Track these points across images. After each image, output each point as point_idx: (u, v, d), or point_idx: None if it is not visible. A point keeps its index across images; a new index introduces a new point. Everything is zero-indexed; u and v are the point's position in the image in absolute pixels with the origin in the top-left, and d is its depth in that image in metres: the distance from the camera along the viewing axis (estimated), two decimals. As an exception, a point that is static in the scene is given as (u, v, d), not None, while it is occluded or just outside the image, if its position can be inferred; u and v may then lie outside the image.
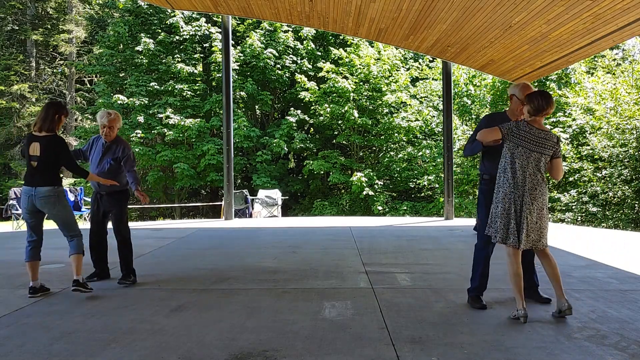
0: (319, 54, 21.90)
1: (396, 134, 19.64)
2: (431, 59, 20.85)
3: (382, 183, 19.49)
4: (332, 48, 21.15)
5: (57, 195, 4.31)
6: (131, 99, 20.19)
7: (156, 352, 3.01)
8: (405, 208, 18.42)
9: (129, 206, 23.04)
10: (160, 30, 21.66)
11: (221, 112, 16.37)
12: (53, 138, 4.32)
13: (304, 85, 19.98)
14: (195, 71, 21.04)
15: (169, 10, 21.12)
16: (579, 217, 15.46)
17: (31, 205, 4.26)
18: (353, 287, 4.65)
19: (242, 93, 20.48)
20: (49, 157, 4.28)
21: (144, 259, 6.17)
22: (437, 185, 18.36)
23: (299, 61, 21.33)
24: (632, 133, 15.05)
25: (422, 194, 19.87)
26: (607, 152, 15.39)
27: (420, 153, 19.05)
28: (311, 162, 19.75)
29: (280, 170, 21.52)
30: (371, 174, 18.99)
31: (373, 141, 20.14)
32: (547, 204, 3.70)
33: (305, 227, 10.32)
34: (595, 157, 16.01)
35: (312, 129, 23.14)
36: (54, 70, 27.71)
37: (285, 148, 20.06)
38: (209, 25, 21.48)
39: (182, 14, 21.00)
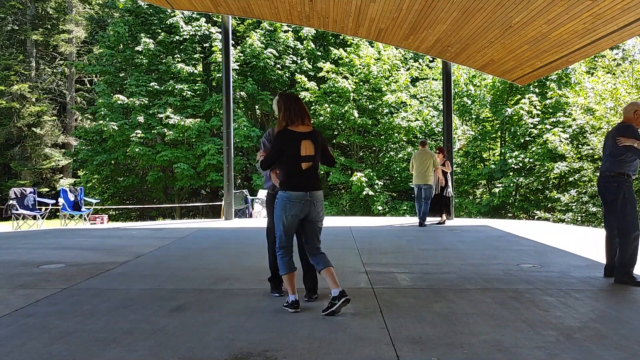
0: (319, 54, 21.91)
1: (396, 134, 19.65)
2: (431, 59, 20.87)
3: (382, 183, 19.49)
4: (332, 48, 21.16)
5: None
6: (131, 99, 20.20)
7: (156, 352, 3.01)
8: (405, 208, 18.43)
9: (129, 206, 22.73)
10: (160, 30, 21.67)
11: (221, 112, 16.38)
12: (318, 133, 3.86)
13: (304, 85, 19.99)
14: (195, 71, 21.05)
15: (169, 10, 21.14)
16: (579, 217, 15.46)
17: (302, 212, 3.78)
18: (353, 287, 4.64)
19: (242, 93, 20.49)
20: (317, 155, 3.82)
21: (144, 259, 6.16)
22: (437, 185, 18.34)
23: (299, 61, 21.34)
24: (632, 133, 15.04)
25: (422, 194, 19.83)
26: (607, 152, 15.39)
27: (420, 153, 19.02)
28: (311, 162, 19.74)
29: (281, 170, 21.51)
30: (371, 174, 18.99)
31: (373, 141, 20.14)
32: None
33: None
34: (595, 157, 16.01)
35: (312, 129, 23.13)
36: (54, 70, 27.71)
37: (286, 148, 20.05)
38: (209, 25, 21.50)
39: (182, 14, 21.01)
